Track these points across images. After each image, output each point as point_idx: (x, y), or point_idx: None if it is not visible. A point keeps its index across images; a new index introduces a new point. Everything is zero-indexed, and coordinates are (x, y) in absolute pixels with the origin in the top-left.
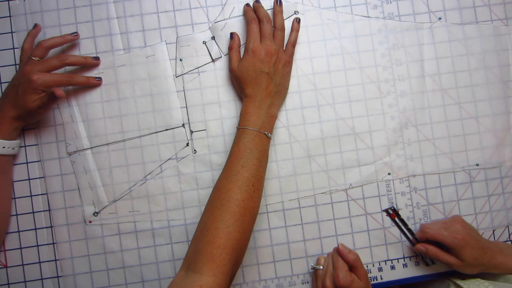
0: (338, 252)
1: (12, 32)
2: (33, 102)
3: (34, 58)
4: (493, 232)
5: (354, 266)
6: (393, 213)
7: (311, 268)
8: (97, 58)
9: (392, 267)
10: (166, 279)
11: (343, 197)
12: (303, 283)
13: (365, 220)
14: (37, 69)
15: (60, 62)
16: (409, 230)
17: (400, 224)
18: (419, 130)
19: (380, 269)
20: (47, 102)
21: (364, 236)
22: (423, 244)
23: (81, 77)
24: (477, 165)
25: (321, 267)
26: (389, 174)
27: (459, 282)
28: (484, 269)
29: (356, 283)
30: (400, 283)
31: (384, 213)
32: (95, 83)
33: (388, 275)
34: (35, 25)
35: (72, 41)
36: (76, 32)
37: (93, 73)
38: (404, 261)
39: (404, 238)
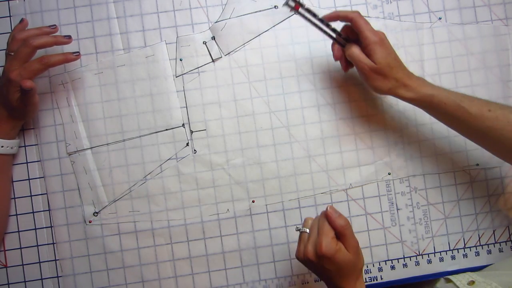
0: (326, 216)
1: (11, 32)
2: (16, 100)
3: (11, 53)
4: (494, 232)
5: (342, 234)
6: (296, 5)
7: (296, 230)
8: (77, 54)
9: (392, 267)
10: (166, 279)
11: (343, 197)
12: (303, 283)
13: (365, 220)
14: (14, 67)
15: (44, 66)
16: (321, 20)
17: (308, 16)
18: (419, 130)
19: (380, 269)
20: (24, 98)
21: (364, 236)
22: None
23: (57, 56)
24: (477, 165)
25: (307, 230)
26: (389, 174)
27: (448, 277)
28: (396, 85)
29: (342, 254)
30: (400, 283)
31: (287, 8)
32: (74, 59)
33: (388, 275)
34: (21, 20)
35: (65, 43)
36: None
37: (93, 72)
38: (404, 261)
39: (404, 238)
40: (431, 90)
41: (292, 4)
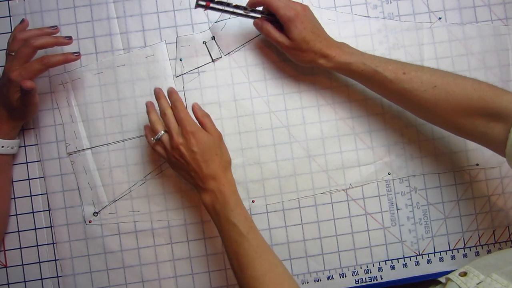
0: (193, 107)
1: (12, 32)
2: (16, 101)
3: (11, 53)
4: (493, 232)
5: (202, 122)
6: (207, 2)
7: (154, 140)
8: (77, 54)
9: (392, 267)
10: (166, 279)
11: (343, 197)
12: (303, 283)
13: (365, 220)
14: (14, 67)
15: (44, 66)
16: (237, 6)
17: (221, 7)
18: (419, 130)
19: (380, 269)
20: (24, 98)
21: (364, 236)
22: (262, 19)
23: (58, 56)
24: (477, 165)
25: (162, 132)
26: (389, 174)
27: (438, 279)
28: (315, 57)
29: (205, 133)
30: (400, 283)
31: (197, 2)
32: (74, 59)
33: (388, 275)
34: (22, 20)
35: (66, 44)
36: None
37: (93, 72)
38: (404, 261)
39: (404, 238)
40: (348, 58)
41: (203, 3)
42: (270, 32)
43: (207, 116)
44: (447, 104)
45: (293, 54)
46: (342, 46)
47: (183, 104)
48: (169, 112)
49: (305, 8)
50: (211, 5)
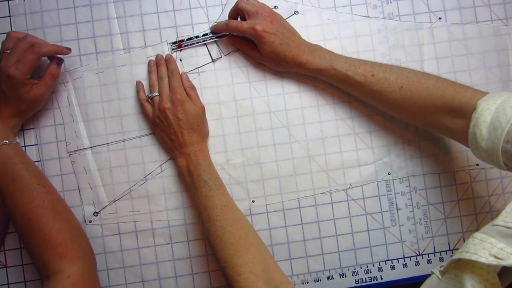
0: (181, 76)
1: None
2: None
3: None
4: None
5: (188, 93)
6: (179, 43)
7: (148, 97)
8: (68, 48)
9: (392, 267)
10: (166, 279)
11: (343, 197)
12: (303, 283)
13: (365, 220)
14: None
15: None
16: (205, 34)
17: (192, 41)
18: (419, 130)
19: (380, 269)
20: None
21: (364, 236)
22: (234, 38)
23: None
24: (477, 165)
25: (156, 93)
26: (389, 174)
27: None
28: (288, 66)
29: (191, 104)
30: (400, 283)
31: (171, 48)
32: (66, 52)
33: (388, 275)
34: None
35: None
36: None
37: (93, 72)
38: (404, 261)
39: (404, 238)
40: (319, 64)
41: (175, 46)
42: (242, 47)
43: (194, 88)
44: (413, 102)
45: (268, 64)
46: (314, 50)
47: (179, 74)
48: (166, 79)
49: (272, 19)
50: (183, 44)
